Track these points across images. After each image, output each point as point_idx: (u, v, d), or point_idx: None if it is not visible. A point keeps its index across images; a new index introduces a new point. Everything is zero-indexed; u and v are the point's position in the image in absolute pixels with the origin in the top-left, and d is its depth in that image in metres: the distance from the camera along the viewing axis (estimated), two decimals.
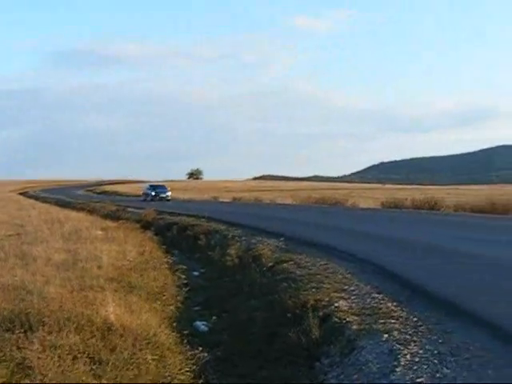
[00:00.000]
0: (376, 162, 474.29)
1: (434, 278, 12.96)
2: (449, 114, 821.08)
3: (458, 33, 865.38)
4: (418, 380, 6.80)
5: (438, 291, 11.39)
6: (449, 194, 74.84)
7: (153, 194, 69.29)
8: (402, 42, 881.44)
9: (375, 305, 10.63)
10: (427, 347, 7.97)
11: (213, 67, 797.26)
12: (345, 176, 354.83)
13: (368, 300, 11.09)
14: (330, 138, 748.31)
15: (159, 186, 76.74)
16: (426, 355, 7.64)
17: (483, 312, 9.55)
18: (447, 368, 7.12)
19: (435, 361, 7.41)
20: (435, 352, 7.74)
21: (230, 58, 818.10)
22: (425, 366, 7.24)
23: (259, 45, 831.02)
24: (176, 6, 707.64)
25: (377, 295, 11.45)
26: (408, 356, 7.64)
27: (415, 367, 7.25)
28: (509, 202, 36.84)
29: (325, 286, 12.56)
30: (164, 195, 69.28)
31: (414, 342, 8.24)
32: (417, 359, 7.52)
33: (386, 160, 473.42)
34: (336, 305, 10.74)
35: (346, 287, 12.36)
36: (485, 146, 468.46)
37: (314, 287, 12.47)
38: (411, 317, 9.60)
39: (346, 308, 10.50)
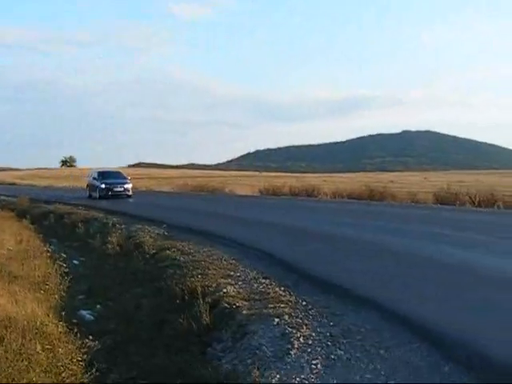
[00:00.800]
0: (252, 149, 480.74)
1: (317, 262, 13.20)
2: (324, 103, 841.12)
3: (334, 25, 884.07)
4: (314, 362, 6.92)
5: (323, 275, 11.61)
6: (325, 181, 76.54)
7: (102, 186, 43.89)
8: (279, 32, 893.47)
9: (263, 290, 10.69)
10: (319, 330, 8.08)
11: (89, 52, 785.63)
12: (220, 164, 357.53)
13: (255, 285, 11.16)
14: (205, 126, 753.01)
15: (112, 173, 49.61)
16: (319, 338, 7.75)
17: (369, 294, 9.80)
18: (340, 349, 7.26)
19: (328, 343, 7.52)
20: (327, 334, 7.86)
21: (107, 44, 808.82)
22: (318, 349, 7.34)
23: (139, 31, 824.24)
24: None
25: (264, 280, 11.54)
26: (301, 339, 7.71)
27: (309, 349, 7.33)
28: (385, 190, 38.23)
29: (211, 272, 12.56)
30: (121, 189, 44.37)
31: (306, 325, 8.32)
32: (310, 342, 7.61)
33: (261, 148, 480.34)
34: (224, 290, 10.73)
35: (232, 273, 12.41)
36: (358, 135, 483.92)
37: (200, 273, 12.42)
38: (300, 301, 9.70)
39: (234, 293, 10.49)
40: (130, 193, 44.44)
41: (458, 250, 14.35)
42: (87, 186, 48.51)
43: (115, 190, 44.01)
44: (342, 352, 7.16)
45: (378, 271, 12.04)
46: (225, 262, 13.66)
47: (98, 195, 43.70)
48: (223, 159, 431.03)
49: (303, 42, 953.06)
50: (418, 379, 6.29)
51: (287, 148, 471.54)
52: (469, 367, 6.44)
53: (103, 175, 46.30)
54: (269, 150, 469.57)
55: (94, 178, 46.06)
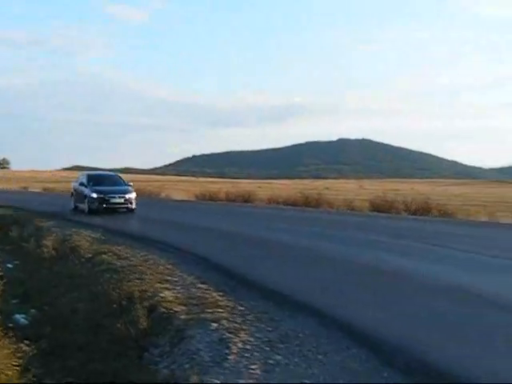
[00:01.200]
0: (188, 155, 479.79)
1: (254, 268, 13.26)
2: (260, 109, 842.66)
3: (270, 33, 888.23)
4: (252, 367, 6.91)
5: (260, 280, 11.65)
6: (260, 188, 76.73)
7: (94, 196, 30.49)
8: (217, 39, 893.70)
9: (201, 295, 10.65)
10: (257, 335, 8.07)
11: (20, 53, 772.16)
12: (157, 168, 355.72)
13: (193, 290, 11.11)
14: (142, 130, 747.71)
15: (107, 176, 35.35)
16: (257, 343, 7.74)
17: (307, 300, 9.88)
18: (279, 355, 7.27)
19: (266, 348, 7.52)
20: (265, 340, 7.86)
21: (38, 44, 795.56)
22: (257, 354, 7.32)
23: (71, 31, 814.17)
24: None
25: (201, 285, 11.49)
26: (239, 344, 7.70)
27: (247, 354, 7.31)
28: (320, 197, 38.55)
29: (148, 276, 12.48)
30: (120, 200, 31.00)
31: (244, 330, 8.31)
32: (248, 347, 7.60)
33: (198, 153, 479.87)
34: (161, 295, 10.66)
35: (169, 278, 12.34)
36: (294, 142, 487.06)
37: (137, 278, 12.35)
38: (238, 306, 9.70)
39: (172, 298, 10.42)
40: (134, 205, 31.09)
41: (394, 256, 14.59)
42: (72, 194, 34.65)
43: (112, 201, 30.85)
44: (281, 357, 7.17)
45: (315, 277, 12.15)
46: (161, 267, 13.59)
47: (87, 207, 30.94)
48: (160, 164, 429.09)
49: (240, 49, 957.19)
50: None
51: (224, 154, 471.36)
52: (407, 373, 6.53)
53: (95, 180, 32.73)
54: (205, 155, 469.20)
55: (82, 184, 32.47)
